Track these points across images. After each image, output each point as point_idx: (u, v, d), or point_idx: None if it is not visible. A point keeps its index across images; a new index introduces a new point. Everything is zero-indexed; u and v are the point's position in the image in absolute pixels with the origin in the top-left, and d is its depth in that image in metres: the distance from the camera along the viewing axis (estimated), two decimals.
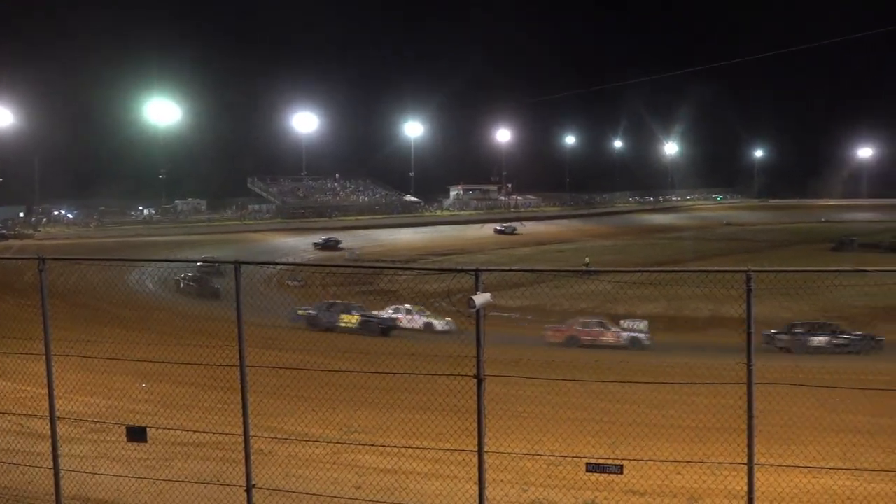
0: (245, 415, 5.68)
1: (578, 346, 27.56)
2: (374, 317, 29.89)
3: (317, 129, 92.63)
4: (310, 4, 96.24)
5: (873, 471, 6.65)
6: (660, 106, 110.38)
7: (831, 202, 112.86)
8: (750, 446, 4.66)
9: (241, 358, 5.71)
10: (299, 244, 66.03)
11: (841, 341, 27.20)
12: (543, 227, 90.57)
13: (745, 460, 4.61)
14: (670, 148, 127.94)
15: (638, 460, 5.88)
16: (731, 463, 4.76)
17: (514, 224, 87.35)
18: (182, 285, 37.39)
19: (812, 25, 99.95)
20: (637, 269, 45.66)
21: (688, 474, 6.82)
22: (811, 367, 21.71)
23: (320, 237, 67.84)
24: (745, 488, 4.71)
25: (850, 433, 12.09)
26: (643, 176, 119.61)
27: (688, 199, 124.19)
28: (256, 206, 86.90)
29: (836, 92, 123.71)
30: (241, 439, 5.64)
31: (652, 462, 6.34)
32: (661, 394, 13.13)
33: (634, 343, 28.69)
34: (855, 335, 27.76)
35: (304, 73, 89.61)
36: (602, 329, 29.36)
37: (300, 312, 29.60)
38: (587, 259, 55.57)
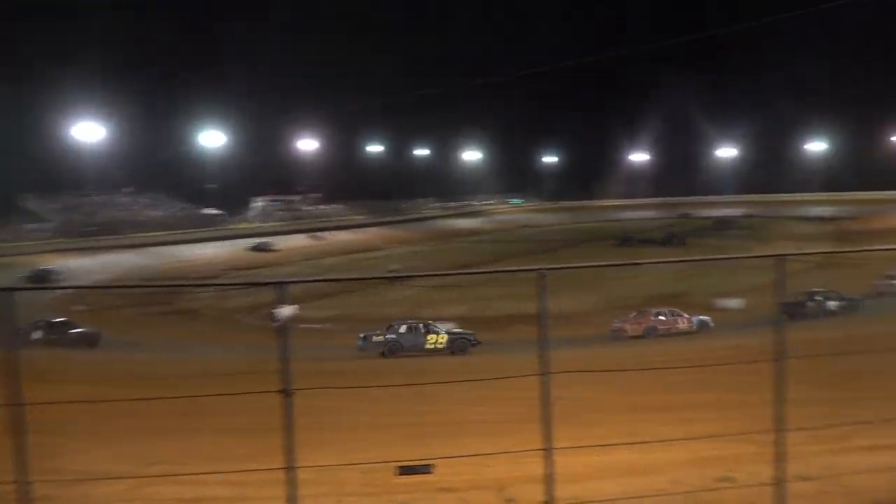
0: (23, 458, 5.06)
1: (656, 336, 28.54)
2: (460, 334, 27.54)
3: (103, 140, 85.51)
4: (95, 5, 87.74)
5: (652, 442, 7.38)
6: (461, 113, 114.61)
7: (614, 202, 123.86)
8: (547, 432, 4.99)
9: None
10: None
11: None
12: (351, 236, 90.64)
13: (544, 446, 4.94)
14: (471, 154, 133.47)
15: (447, 458, 6.05)
16: (532, 450, 5.04)
17: (325, 233, 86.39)
18: None
19: (594, 38, 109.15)
20: (442, 272, 47.08)
21: (495, 466, 7.13)
22: (622, 353, 23.74)
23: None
24: (545, 472, 5.03)
25: (638, 411, 13.36)
26: (446, 182, 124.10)
27: (488, 204, 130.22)
28: (34, 226, 78.37)
29: (616, 101, 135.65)
30: (13, 488, 5.03)
31: (461, 458, 6.55)
32: (475, 391, 13.65)
33: (702, 326, 30.17)
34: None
35: (85, 80, 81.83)
36: (676, 318, 30.56)
37: (376, 339, 26.37)
38: (394, 266, 56.32)
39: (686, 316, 31.39)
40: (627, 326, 30.81)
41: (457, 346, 27.00)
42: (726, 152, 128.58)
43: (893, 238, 64.28)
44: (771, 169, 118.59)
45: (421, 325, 27.72)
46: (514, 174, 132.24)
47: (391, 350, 26.56)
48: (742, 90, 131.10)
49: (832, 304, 31.47)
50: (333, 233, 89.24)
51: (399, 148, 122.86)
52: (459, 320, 33.58)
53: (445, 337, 27.03)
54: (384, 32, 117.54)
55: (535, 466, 5.19)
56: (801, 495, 8.90)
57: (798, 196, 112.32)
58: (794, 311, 30.37)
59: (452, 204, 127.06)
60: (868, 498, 9.11)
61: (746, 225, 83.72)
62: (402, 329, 27.33)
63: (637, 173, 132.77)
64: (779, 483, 6.40)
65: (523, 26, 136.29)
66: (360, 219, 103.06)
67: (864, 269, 39.98)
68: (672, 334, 29.77)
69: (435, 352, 26.45)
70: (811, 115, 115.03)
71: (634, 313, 31.96)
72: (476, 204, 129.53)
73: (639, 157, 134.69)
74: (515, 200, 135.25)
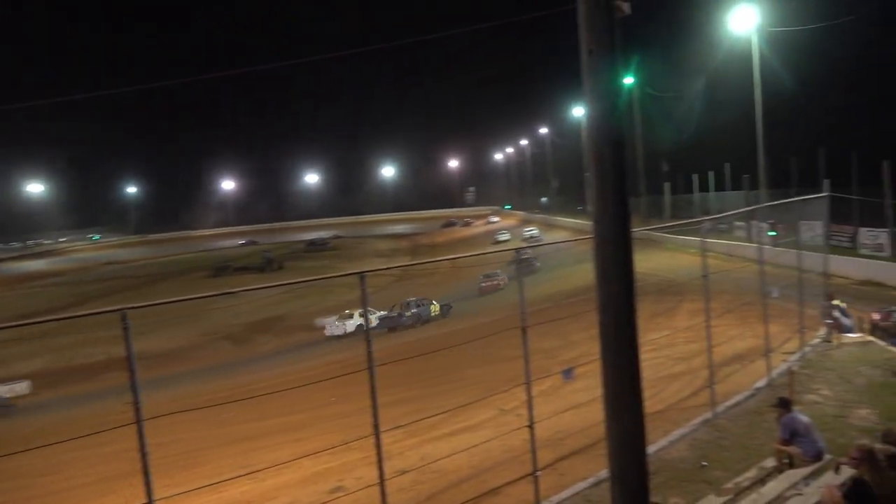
0: None
1: None
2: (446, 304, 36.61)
3: None
4: None
5: (265, 469, 7.40)
6: (19, 141, 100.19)
7: (207, 232, 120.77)
8: (148, 483, 4.64)
9: None
10: None
11: None
12: None
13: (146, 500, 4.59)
14: (34, 188, 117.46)
15: None
16: None
17: None
18: None
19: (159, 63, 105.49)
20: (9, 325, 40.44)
21: None
22: (191, 391, 22.96)
23: None
24: None
25: (250, 440, 13.25)
26: (3, 219, 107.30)
27: (61, 242, 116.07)
28: None
29: (201, 128, 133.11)
30: None
31: None
32: (64, 455, 11.97)
33: None
34: None
35: None
36: None
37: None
38: None
39: None
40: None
41: (444, 311, 35.56)
42: (312, 178, 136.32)
43: (456, 248, 75.01)
44: (353, 193, 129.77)
45: (424, 301, 35.72)
46: (90, 207, 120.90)
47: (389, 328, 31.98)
48: (321, 120, 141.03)
49: (428, 309, 35.18)
50: None
51: None
52: (36, 376, 29.36)
53: (438, 307, 35.44)
54: None
55: None
56: (402, 488, 9.86)
57: (377, 217, 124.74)
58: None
59: (15, 245, 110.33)
60: (455, 477, 10.52)
61: (336, 246, 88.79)
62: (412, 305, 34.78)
63: (228, 201, 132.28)
64: (382, 482, 6.97)
65: (92, 45, 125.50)
66: None
67: (436, 276, 45.84)
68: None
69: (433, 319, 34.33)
70: (383, 143, 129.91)
71: None
72: (46, 243, 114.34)
73: (228, 184, 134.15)
74: (95, 236, 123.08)
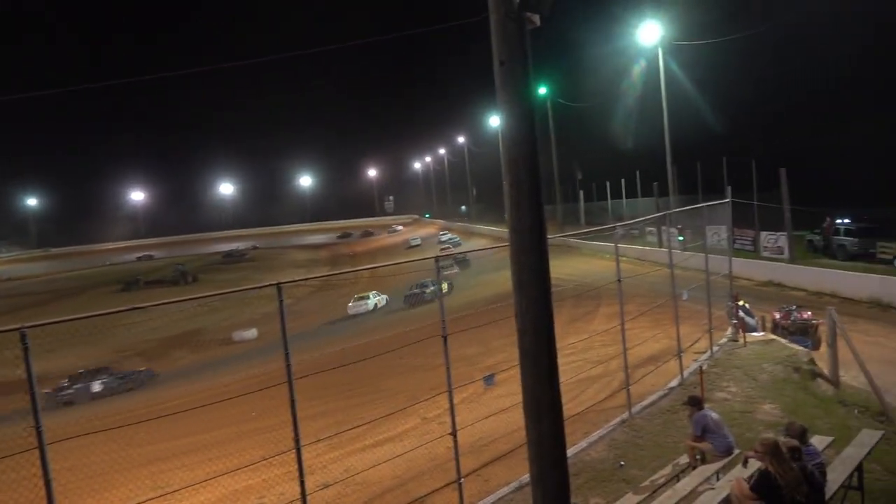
0: None
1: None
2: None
3: None
4: None
5: (180, 489, 7.14)
6: None
7: (115, 245, 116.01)
8: None
9: None
10: None
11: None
12: None
13: None
14: None
15: None
16: None
17: None
18: None
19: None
20: None
21: None
22: (100, 411, 21.99)
23: None
24: None
25: (161, 461, 12.74)
26: None
27: None
28: None
29: (110, 134, 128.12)
30: None
31: None
32: None
33: None
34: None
35: None
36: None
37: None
38: None
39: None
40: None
41: (450, 287, 36.74)
42: (227, 188, 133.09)
43: (375, 258, 74.69)
44: (271, 203, 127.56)
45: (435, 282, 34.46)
46: None
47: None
48: (236, 128, 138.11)
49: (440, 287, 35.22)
50: None
51: None
52: None
53: (446, 284, 36.16)
54: None
55: None
56: (325, 503, 9.70)
57: (296, 227, 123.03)
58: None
59: None
60: (379, 488, 10.43)
61: (253, 257, 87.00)
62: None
63: (139, 212, 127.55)
64: (304, 497, 6.83)
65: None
66: None
67: (359, 285, 45.47)
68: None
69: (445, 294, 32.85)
70: (300, 152, 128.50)
71: None
72: None
73: (138, 195, 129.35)
74: None
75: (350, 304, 40.31)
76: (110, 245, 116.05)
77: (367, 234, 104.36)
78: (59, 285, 75.49)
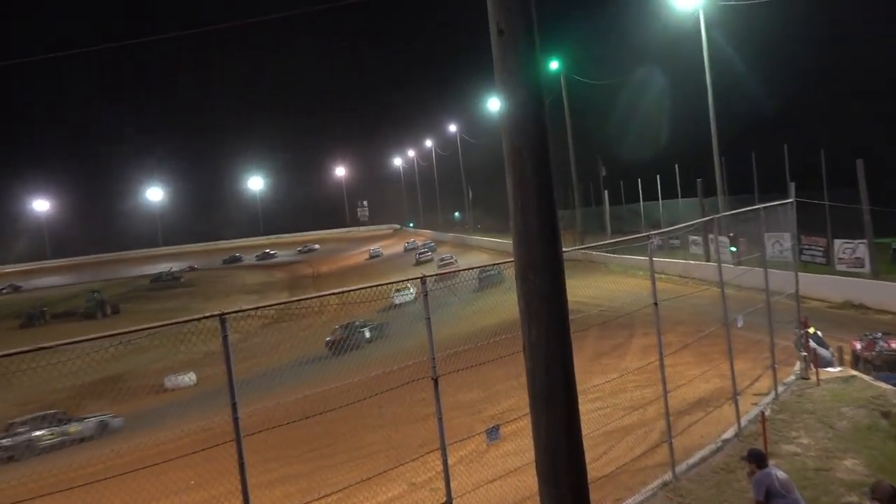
0: None
1: None
2: None
3: None
4: None
5: None
6: None
7: (13, 268, 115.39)
8: None
9: None
10: None
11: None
12: None
13: None
14: None
15: None
16: None
17: None
18: None
19: None
20: None
21: None
22: (19, 476, 21.80)
23: None
24: None
25: None
26: None
27: None
28: None
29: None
30: None
31: None
32: None
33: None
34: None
35: None
36: None
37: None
38: None
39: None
40: None
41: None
42: (156, 196, 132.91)
43: (345, 279, 74.63)
44: (211, 213, 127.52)
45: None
46: None
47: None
48: (164, 121, 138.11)
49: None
50: None
51: None
52: None
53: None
54: None
55: None
56: None
57: (244, 242, 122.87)
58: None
59: None
60: None
61: (189, 281, 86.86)
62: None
63: (42, 228, 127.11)
64: None
65: None
66: None
67: (326, 314, 45.29)
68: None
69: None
70: (249, 151, 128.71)
71: None
72: None
73: (41, 205, 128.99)
74: None
75: (393, 294, 45.72)
76: (6, 269, 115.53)
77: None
78: None
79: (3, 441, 27.22)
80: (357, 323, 41.12)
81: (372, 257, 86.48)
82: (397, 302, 46.18)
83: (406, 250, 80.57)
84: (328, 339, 39.70)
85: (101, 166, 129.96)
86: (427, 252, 77.70)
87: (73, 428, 29.03)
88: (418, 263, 72.54)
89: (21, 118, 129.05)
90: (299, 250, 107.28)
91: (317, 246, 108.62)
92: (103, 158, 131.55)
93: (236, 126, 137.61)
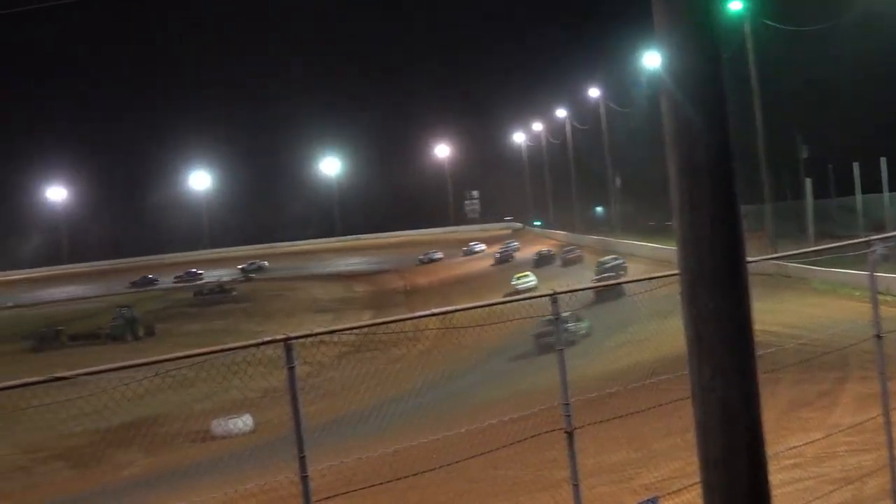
0: None
1: None
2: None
3: None
4: None
5: None
6: None
7: (23, 275, 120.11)
8: None
9: None
10: None
11: None
12: None
13: None
14: None
15: None
16: None
17: None
18: None
19: None
20: None
21: None
22: None
23: None
24: None
25: None
26: None
27: None
28: None
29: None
30: None
31: None
32: None
33: None
34: None
35: None
36: None
37: None
38: None
39: None
40: None
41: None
42: (200, 182, 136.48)
43: (449, 296, 74.83)
44: (272, 209, 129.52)
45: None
46: None
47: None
48: (216, 95, 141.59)
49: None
50: None
51: None
52: None
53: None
54: None
55: None
56: None
57: (312, 244, 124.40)
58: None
59: None
60: None
61: (244, 294, 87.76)
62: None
63: (60, 226, 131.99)
64: None
65: None
66: None
67: (422, 343, 45.65)
68: None
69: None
70: (320, 130, 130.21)
71: None
72: None
73: (58, 194, 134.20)
74: None
75: (514, 282, 56.05)
76: (13, 275, 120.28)
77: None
78: None
79: None
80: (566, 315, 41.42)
81: (498, 262, 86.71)
82: (521, 287, 56.68)
83: (540, 256, 79.89)
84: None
85: (131, 148, 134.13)
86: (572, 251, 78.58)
87: None
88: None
89: (32, 93, 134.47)
90: (420, 259, 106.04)
91: (439, 254, 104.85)
92: (133, 137, 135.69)
93: (305, 100, 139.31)
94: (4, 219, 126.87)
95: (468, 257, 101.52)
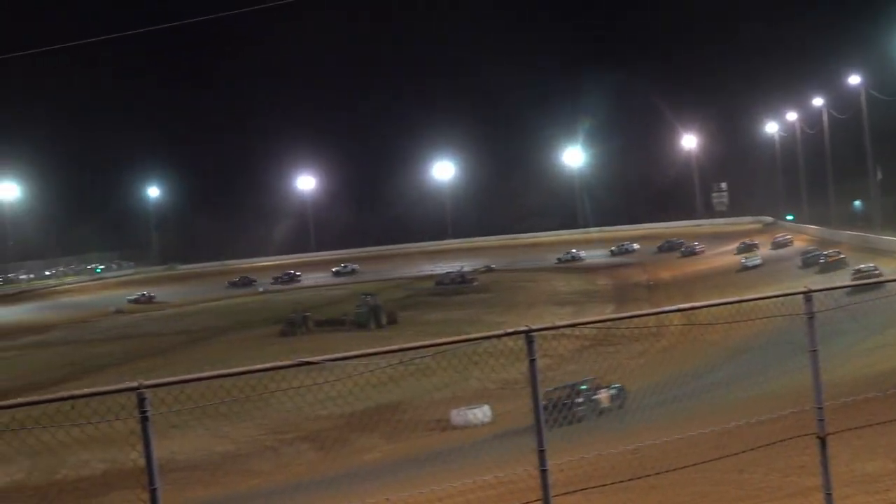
0: None
1: None
2: None
3: None
4: None
5: None
6: None
7: (269, 261, 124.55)
8: None
9: None
10: None
11: None
12: None
13: None
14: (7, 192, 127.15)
15: None
16: None
17: None
18: None
19: None
20: None
21: None
22: None
23: None
24: None
25: None
26: None
27: (47, 277, 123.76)
28: None
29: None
30: None
31: None
32: None
33: None
34: None
35: None
36: None
37: None
38: None
39: None
40: None
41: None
42: (444, 172, 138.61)
43: (693, 292, 73.19)
44: (515, 198, 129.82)
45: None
46: (92, 225, 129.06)
47: None
48: (457, 82, 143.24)
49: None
50: None
51: None
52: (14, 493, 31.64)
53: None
54: None
55: None
56: None
57: (551, 236, 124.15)
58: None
59: None
60: None
61: (484, 285, 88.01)
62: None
63: (306, 214, 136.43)
64: None
65: None
66: None
67: (664, 339, 44.95)
68: None
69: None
70: (559, 115, 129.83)
71: None
72: (23, 278, 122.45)
73: (307, 184, 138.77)
74: (98, 268, 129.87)
75: (743, 260, 60.94)
76: (261, 261, 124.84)
77: (672, 247, 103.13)
78: (189, 323, 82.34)
79: None
80: None
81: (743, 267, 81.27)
82: (749, 265, 61.40)
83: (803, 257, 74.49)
84: None
85: (376, 140, 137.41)
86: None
87: None
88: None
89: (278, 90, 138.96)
90: (659, 246, 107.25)
91: (700, 246, 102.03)
92: (380, 125, 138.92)
93: (552, 89, 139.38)
94: (260, 210, 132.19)
95: (713, 251, 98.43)
